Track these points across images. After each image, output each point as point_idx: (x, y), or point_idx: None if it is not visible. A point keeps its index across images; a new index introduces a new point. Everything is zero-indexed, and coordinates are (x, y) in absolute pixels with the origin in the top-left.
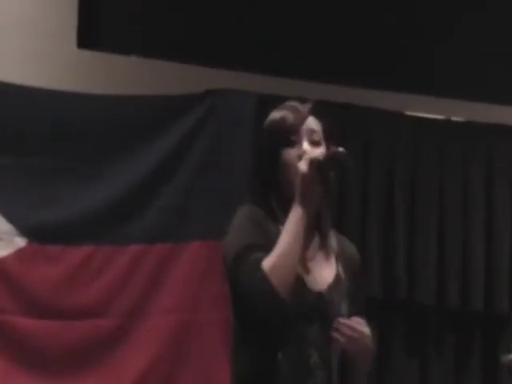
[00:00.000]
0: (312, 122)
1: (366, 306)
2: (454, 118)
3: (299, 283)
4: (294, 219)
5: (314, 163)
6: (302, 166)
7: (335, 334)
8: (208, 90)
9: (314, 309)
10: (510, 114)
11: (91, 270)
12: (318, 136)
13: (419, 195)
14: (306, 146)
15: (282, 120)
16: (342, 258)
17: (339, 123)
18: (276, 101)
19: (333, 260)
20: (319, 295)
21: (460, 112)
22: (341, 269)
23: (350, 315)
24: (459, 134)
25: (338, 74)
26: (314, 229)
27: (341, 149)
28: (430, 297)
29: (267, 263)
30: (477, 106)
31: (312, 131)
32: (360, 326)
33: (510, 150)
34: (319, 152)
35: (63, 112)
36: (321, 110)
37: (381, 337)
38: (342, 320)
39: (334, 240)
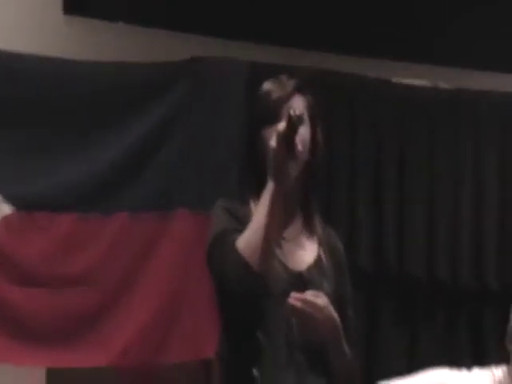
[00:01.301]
0: (294, 101)
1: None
2: (442, 85)
3: (278, 263)
4: (267, 195)
5: (279, 136)
6: (272, 142)
7: (287, 307)
8: (196, 57)
9: (293, 288)
10: (499, 81)
11: (79, 238)
12: (301, 115)
13: (408, 164)
14: (282, 124)
15: (267, 95)
16: (326, 246)
17: (327, 91)
18: (267, 69)
19: (315, 243)
20: (298, 274)
21: (448, 79)
22: (323, 253)
23: (333, 298)
24: (447, 101)
25: (327, 41)
26: (296, 210)
27: (292, 111)
28: (419, 269)
29: (240, 239)
30: (465, 72)
31: (291, 108)
32: (313, 298)
33: (499, 117)
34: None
35: (48, 79)
36: (308, 85)
37: (370, 309)
38: (295, 294)
39: (318, 224)
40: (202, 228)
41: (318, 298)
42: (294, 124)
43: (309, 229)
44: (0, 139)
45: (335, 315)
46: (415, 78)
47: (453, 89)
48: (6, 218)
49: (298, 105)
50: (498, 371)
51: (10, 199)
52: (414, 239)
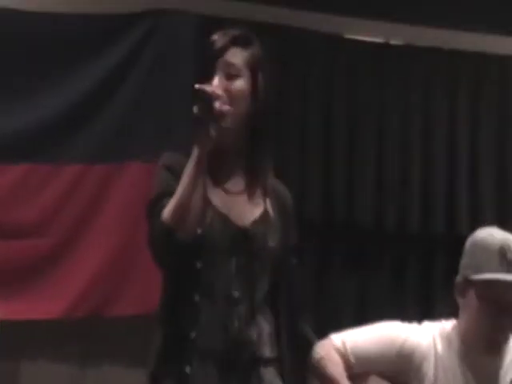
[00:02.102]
0: (231, 55)
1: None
2: (392, 42)
3: (220, 220)
4: (191, 161)
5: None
6: (194, 108)
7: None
8: (147, 10)
9: (238, 243)
10: (449, 37)
11: (29, 189)
12: (236, 69)
13: (358, 117)
14: (215, 81)
15: (210, 46)
16: (274, 198)
17: (276, 46)
18: (217, 22)
19: (263, 196)
20: (243, 230)
21: (398, 35)
22: (270, 206)
23: (279, 251)
24: (398, 56)
25: None
26: (240, 163)
27: (196, 86)
28: (367, 217)
29: (166, 209)
30: (415, 29)
31: (229, 64)
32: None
33: (449, 73)
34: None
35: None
36: (252, 38)
37: (320, 258)
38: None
39: (267, 176)
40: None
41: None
42: (201, 98)
43: (255, 182)
44: None
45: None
46: (367, 34)
47: (403, 44)
48: None
49: (233, 57)
50: (448, 324)
51: None
52: (363, 190)
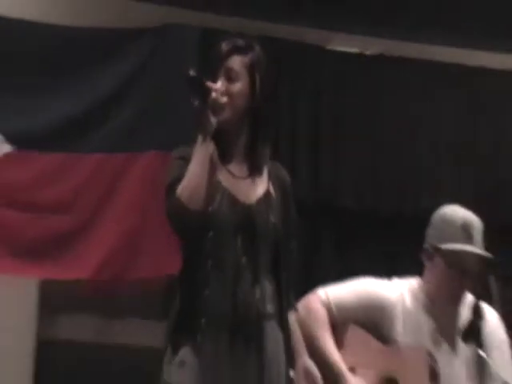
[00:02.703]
0: (232, 61)
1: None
2: (368, 52)
3: (228, 198)
4: (197, 146)
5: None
6: (195, 102)
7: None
8: (156, 25)
9: (243, 218)
10: (418, 49)
11: (61, 174)
12: (235, 73)
13: (341, 114)
14: (218, 83)
15: (213, 53)
16: (275, 180)
17: (273, 57)
18: (216, 35)
19: (265, 178)
20: (248, 207)
21: (374, 46)
22: (272, 187)
23: (279, 225)
24: (373, 65)
25: (275, 13)
26: (243, 150)
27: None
28: (348, 200)
29: (179, 187)
30: (389, 41)
31: (230, 69)
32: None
33: (415, 81)
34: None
35: (38, 40)
36: (248, 46)
37: (309, 237)
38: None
39: (267, 161)
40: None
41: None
42: (209, 99)
43: (257, 166)
44: (5, 87)
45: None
46: (347, 45)
47: (376, 54)
48: (7, 155)
49: (233, 63)
50: (413, 281)
51: (9, 139)
52: (348, 175)
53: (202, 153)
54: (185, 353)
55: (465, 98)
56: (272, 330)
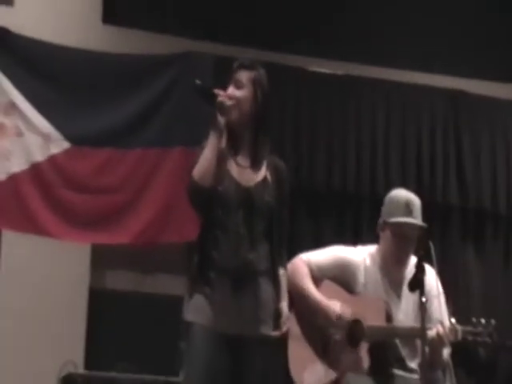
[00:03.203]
0: (239, 74)
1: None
2: (338, 72)
3: (233, 182)
4: (208, 140)
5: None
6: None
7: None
8: (179, 53)
9: (244, 198)
10: (384, 72)
11: (111, 164)
12: (241, 83)
13: (319, 121)
14: (229, 90)
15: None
16: (271, 168)
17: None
18: (227, 62)
19: (264, 169)
20: (247, 189)
21: (343, 68)
22: (268, 174)
23: (274, 204)
24: (340, 83)
25: (267, 42)
26: (247, 145)
27: (196, 81)
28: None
29: (194, 169)
30: (353, 64)
31: (237, 80)
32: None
33: (373, 94)
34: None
35: (90, 66)
36: (253, 65)
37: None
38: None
39: (266, 153)
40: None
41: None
42: (216, 102)
43: (257, 158)
44: (62, 99)
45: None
46: (324, 67)
47: (343, 75)
48: (65, 150)
49: (241, 76)
50: (372, 248)
51: (67, 137)
52: (320, 165)
53: (212, 144)
54: (198, 298)
55: (402, 110)
56: (264, 283)
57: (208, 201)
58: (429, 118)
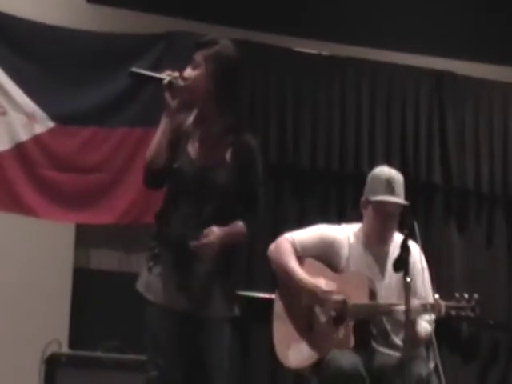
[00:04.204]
0: (196, 53)
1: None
2: (323, 53)
3: (189, 161)
4: (161, 122)
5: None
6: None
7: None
8: (163, 32)
9: (197, 178)
10: (369, 53)
11: (95, 143)
12: (196, 63)
13: (302, 100)
14: (186, 71)
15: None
16: (237, 146)
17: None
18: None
19: (224, 148)
20: (203, 168)
21: (328, 48)
22: (232, 155)
23: (226, 186)
24: (327, 63)
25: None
26: (211, 123)
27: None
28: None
29: (147, 152)
30: (339, 45)
31: (193, 60)
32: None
33: (358, 79)
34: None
35: (77, 44)
36: (211, 42)
37: (276, 193)
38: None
39: (233, 130)
40: None
41: (213, 233)
42: (163, 84)
43: (218, 136)
44: (46, 78)
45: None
46: (309, 48)
47: (328, 55)
48: (50, 129)
49: (196, 55)
50: (356, 225)
51: (52, 117)
52: (305, 144)
53: (162, 126)
54: (143, 271)
55: (387, 90)
56: (208, 263)
57: (160, 181)
58: (413, 97)
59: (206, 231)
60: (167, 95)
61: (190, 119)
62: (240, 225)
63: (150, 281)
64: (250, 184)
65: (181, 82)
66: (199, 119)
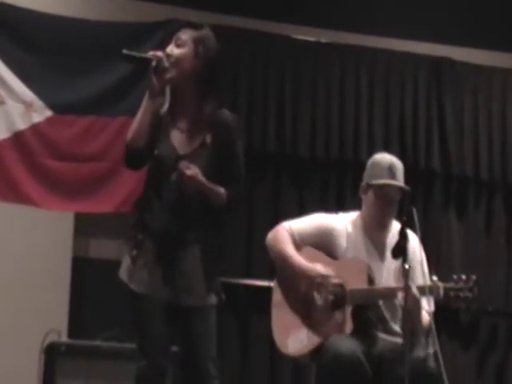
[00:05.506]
0: (182, 32)
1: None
2: (322, 40)
3: (170, 147)
4: (142, 102)
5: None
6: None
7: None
8: (163, 20)
9: (177, 164)
10: (369, 40)
11: (93, 132)
12: (181, 41)
13: (297, 85)
14: (169, 47)
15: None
16: (216, 130)
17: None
18: (213, 30)
19: (205, 131)
20: (183, 155)
21: (327, 36)
22: (211, 137)
23: (206, 172)
24: (325, 49)
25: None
26: (191, 107)
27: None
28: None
29: (128, 132)
30: (338, 32)
31: (178, 38)
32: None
33: (357, 66)
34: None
35: (75, 32)
36: (200, 25)
37: (274, 182)
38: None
39: (212, 113)
40: None
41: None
42: (150, 66)
43: (198, 120)
44: (46, 68)
45: (203, 179)
46: (308, 35)
47: (327, 42)
48: (48, 118)
49: (182, 34)
50: (354, 213)
51: (50, 106)
52: (304, 132)
53: (144, 106)
54: (126, 259)
55: (386, 77)
56: (192, 253)
57: (140, 162)
58: (412, 84)
59: (186, 164)
60: (152, 77)
61: (166, 106)
62: (221, 189)
63: (133, 270)
64: (230, 163)
65: (166, 63)
66: (179, 103)
